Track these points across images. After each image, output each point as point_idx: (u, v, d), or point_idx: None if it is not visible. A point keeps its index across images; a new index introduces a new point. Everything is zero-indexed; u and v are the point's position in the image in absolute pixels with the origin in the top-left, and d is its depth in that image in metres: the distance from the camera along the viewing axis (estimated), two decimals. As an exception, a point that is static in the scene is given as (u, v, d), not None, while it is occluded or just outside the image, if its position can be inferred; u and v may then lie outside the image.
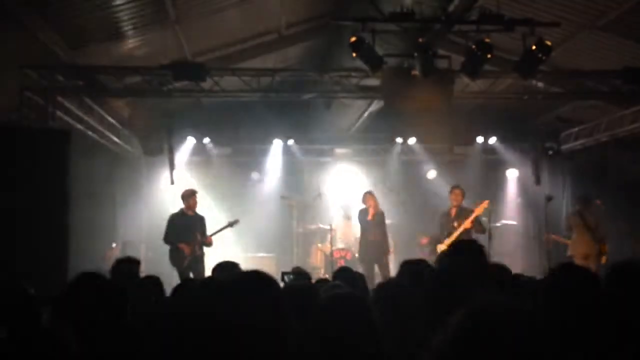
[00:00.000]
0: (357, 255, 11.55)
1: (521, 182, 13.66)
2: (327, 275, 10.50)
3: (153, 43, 8.84)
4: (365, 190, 10.89)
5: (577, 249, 10.05)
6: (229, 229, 9.95)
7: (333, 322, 2.33)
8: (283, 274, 4.63)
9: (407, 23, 7.88)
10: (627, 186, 10.94)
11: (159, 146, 11.79)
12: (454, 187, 9.93)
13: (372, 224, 10.31)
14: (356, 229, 12.22)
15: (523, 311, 1.40)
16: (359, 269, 10.21)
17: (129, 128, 11.61)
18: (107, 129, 10.69)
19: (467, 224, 9.30)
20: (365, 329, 2.35)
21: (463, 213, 9.46)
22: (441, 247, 9.18)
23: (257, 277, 1.93)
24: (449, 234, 9.35)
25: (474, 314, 1.40)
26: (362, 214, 10.49)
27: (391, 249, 10.92)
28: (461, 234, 9.21)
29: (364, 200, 10.53)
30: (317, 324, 2.36)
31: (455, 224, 9.44)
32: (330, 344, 2.28)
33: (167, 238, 9.42)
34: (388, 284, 3.46)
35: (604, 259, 10.03)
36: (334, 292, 2.69)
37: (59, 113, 8.81)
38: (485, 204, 9.68)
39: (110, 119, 10.69)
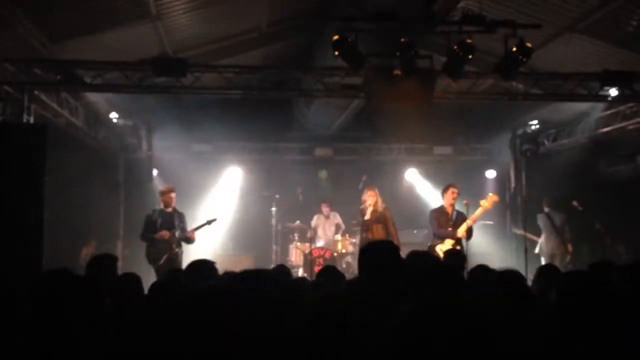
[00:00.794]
0: (335, 254, 11.55)
1: (500, 182, 13.78)
2: (305, 274, 10.48)
3: (133, 38, 8.74)
4: (368, 185, 10.17)
5: (544, 248, 10.72)
6: (207, 226, 9.87)
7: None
8: None
9: (390, 23, 7.89)
10: (603, 187, 11.09)
11: (138, 142, 11.66)
12: (450, 186, 9.43)
13: (371, 223, 9.62)
14: (334, 228, 12.23)
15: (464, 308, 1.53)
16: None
17: (107, 123, 11.47)
18: (85, 125, 10.54)
19: (462, 234, 9.01)
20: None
21: (460, 217, 9.23)
22: (443, 247, 8.88)
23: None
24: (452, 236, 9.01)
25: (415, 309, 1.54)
26: (361, 212, 9.84)
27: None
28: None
29: (364, 197, 9.86)
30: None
31: (451, 229, 9.07)
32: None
33: (144, 235, 9.30)
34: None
35: (569, 259, 10.41)
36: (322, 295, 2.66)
37: (35, 107, 8.66)
38: (494, 197, 9.37)
39: (88, 114, 10.54)
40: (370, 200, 9.64)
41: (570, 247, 10.54)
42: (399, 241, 9.20)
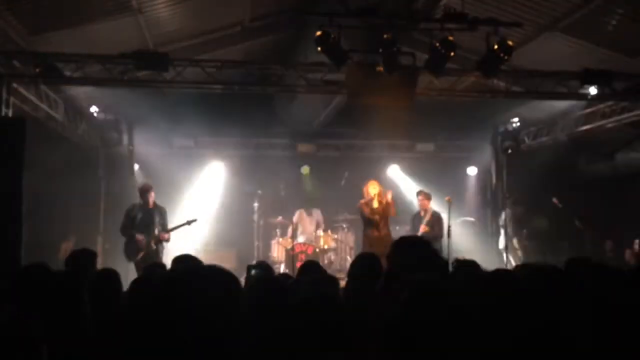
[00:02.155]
0: (317, 250, 11.55)
1: (481, 179, 13.88)
2: (287, 270, 10.47)
3: (115, 31, 8.65)
4: (368, 179, 9.92)
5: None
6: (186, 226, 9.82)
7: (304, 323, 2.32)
8: (249, 267, 4.58)
9: (373, 19, 7.90)
10: (582, 185, 11.22)
11: (118, 137, 11.56)
12: (418, 193, 10.51)
13: (375, 218, 9.36)
14: (315, 224, 12.23)
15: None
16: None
17: (87, 117, 11.35)
18: (65, 118, 10.42)
19: (422, 228, 10.02)
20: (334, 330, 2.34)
21: (434, 218, 10.01)
22: None
23: (218, 271, 1.92)
24: None
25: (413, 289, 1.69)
26: (362, 207, 9.55)
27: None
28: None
29: (365, 191, 9.59)
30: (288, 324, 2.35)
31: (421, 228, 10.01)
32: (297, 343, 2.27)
33: (124, 229, 9.26)
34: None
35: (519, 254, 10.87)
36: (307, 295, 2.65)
37: (14, 100, 8.55)
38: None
39: (67, 107, 10.43)
40: (374, 192, 9.42)
41: (515, 243, 10.72)
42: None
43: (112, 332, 2.91)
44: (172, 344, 1.76)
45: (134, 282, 3.79)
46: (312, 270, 4.50)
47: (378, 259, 3.88)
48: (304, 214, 12.35)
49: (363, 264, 3.89)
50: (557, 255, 10.36)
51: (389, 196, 9.44)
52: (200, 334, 1.73)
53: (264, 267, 4.60)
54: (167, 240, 9.37)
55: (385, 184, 13.39)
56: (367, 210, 9.41)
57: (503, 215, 11.07)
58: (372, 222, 9.34)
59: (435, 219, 10.29)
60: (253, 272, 4.40)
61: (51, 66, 8.31)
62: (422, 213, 10.44)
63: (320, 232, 11.89)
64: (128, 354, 2.47)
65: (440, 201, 10.87)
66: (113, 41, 8.64)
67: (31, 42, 8.13)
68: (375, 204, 9.33)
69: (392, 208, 9.43)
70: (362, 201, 9.57)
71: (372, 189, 9.52)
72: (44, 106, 9.48)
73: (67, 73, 8.51)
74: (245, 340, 1.86)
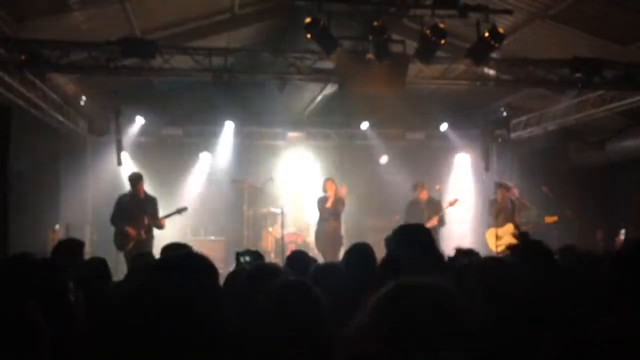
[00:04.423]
0: (307, 240, 11.54)
1: (471, 168, 13.88)
2: (277, 259, 10.44)
3: (101, 18, 8.52)
4: (326, 177, 10.87)
5: None
6: (176, 215, 9.76)
7: (281, 310, 2.30)
8: (238, 254, 4.51)
9: (363, 5, 7.83)
10: (573, 173, 11.24)
11: (106, 126, 11.44)
12: (417, 185, 10.65)
13: (330, 213, 10.29)
14: (307, 214, 12.21)
15: (440, 288, 1.51)
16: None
17: (74, 106, 11.22)
18: (51, 107, 10.28)
19: (434, 221, 10.09)
20: (313, 317, 2.32)
21: (432, 204, 10.00)
22: None
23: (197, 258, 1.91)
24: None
25: (391, 290, 1.52)
26: (321, 202, 10.44)
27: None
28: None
29: (324, 188, 10.48)
30: (265, 311, 2.33)
31: (426, 215, 10.14)
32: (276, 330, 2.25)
33: (114, 219, 9.19)
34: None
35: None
36: (282, 280, 2.62)
37: (-1, 89, 8.42)
38: (455, 202, 10.72)
39: (54, 96, 10.29)
40: (332, 190, 10.35)
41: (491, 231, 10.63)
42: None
43: (100, 322, 2.86)
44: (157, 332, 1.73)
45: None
46: (299, 259, 4.46)
47: (372, 248, 3.92)
48: (294, 204, 12.37)
49: (359, 252, 3.90)
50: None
51: (343, 192, 10.41)
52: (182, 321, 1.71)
53: (256, 255, 4.54)
54: (162, 226, 9.32)
55: (378, 173, 13.46)
56: (322, 207, 10.40)
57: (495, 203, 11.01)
58: (324, 218, 10.32)
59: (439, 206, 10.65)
60: (242, 259, 4.34)
61: (36, 54, 8.15)
62: (422, 203, 10.54)
63: (310, 222, 11.86)
64: (116, 343, 2.43)
65: (431, 190, 10.88)
66: (99, 29, 8.52)
67: (16, 29, 7.99)
68: (329, 204, 10.28)
69: (342, 206, 10.45)
70: (320, 197, 10.52)
71: (330, 188, 10.41)
72: (29, 94, 9.33)
73: (53, 60, 8.37)
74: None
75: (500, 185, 10.54)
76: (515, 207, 10.31)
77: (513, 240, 9.53)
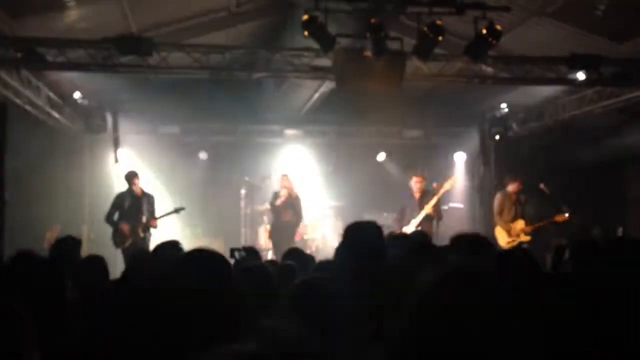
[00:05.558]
0: (305, 237, 11.55)
1: (469, 166, 13.87)
2: (275, 257, 10.43)
3: (98, 16, 8.50)
4: (283, 173, 11.20)
5: None
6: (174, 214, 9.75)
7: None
8: (232, 250, 4.51)
9: (360, 3, 7.82)
10: (570, 170, 11.24)
11: (103, 124, 11.41)
12: (412, 176, 10.02)
13: (282, 207, 10.67)
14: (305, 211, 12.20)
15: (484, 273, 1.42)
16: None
17: (71, 104, 11.18)
18: (48, 104, 10.24)
19: (428, 209, 9.50)
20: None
21: (427, 197, 9.72)
22: (407, 229, 9.28)
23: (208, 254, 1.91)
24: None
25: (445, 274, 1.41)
26: (274, 197, 10.82)
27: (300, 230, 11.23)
28: (423, 218, 9.47)
29: (280, 183, 10.86)
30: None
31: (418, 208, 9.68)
32: None
33: (109, 218, 9.19)
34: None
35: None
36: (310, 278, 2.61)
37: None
38: (452, 180, 10.13)
39: (50, 93, 10.25)
40: (285, 186, 10.69)
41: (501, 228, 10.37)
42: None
43: (96, 318, 2.85)
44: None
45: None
46: (296, 256, 4.47)
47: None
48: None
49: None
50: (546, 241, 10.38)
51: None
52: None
53: (250, 252, 4.54)
54: (154, 226, 9.31)
55: (375, 169, 13.45)
56: (273, 201, 10.81)
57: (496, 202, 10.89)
58: (276, 211, 10.71)
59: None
60: (237, 255, 4.33)
61: (33, 51, 8.14)
62: (418, 196, 9.91)
63: (307, 220, 11.86)
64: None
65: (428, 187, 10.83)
66: (96, 26, 8.50)
67: (12, 27, 7.96)
68: (280, 202, 10.63)
69: (297, 200, 10.82)
70: (274, 192, 10.92)
71: (284, 184, 10.76)
72: (26, 92, 9.30)
73: (50, 58, 8.34)
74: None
75: (510, 178, 10.05)
76: (524, 202, 9.94)
77: (527, 239, 9.49)
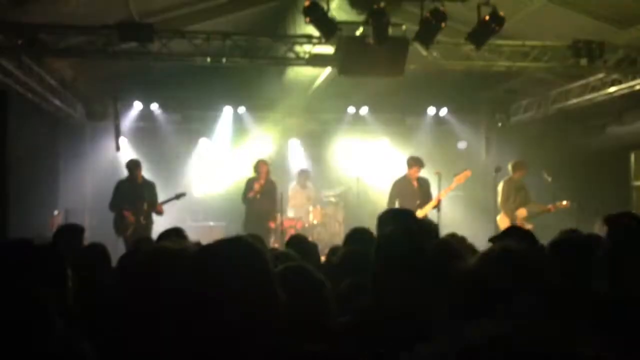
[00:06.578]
0: (307, 225, 11.54)
1: (471, 153, 13.83)
2: (277, 244, 10.43)
3: (98, 2, 8.45)
4: (259, 159, 10.84)
5: None
6: (175, 200, 9.75)
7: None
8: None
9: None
10: (573, 158, 11.20)
11: (104, 111, 11.39)
12: (414, 164, 9.83)
13: (258, 195, 10.39)
14: (306, 198, 12.20)
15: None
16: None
17: (72, 91, 11.15)
18: (48, 92, 10.21)
19: (435, 202, 9.56)
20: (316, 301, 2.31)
21: (425, 185, 9.70)
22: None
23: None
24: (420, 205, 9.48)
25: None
26: (249, 183, 10.51)
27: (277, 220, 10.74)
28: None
29: (256, 168, 10.54)
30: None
31: (419, 202, 9.52)
32: None
33: (113, 205, 9.22)
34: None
35: None
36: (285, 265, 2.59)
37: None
38: (467, 173, 9.88)
39: (51, 80, 10.22)
40: (262, 172, 10.40)
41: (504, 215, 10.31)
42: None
43: (99, 307, 2.84)
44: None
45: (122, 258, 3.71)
46: (299, 244, 4.45)
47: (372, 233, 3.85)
48: (298, 188, 12.34)
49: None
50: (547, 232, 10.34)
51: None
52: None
53: (255, 239, 4.52)
54: (161, 212, 9.35)
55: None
56: (248, 188, 10.46)
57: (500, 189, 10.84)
58: (251, 199, 10.37)
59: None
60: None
61: (33, 38, 8.10)
62: (415, 183, 9.90)
63: (310, 207, 11.85)
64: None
65: (430, 175, 10.79)
66: (97, 13, 8.44)
67: (12, 13, 7.91)
68: (257, 187, 10.37)
69: (274, 187, 10.62)
70: (249, 178, 10.59)
71: (261, 169, 10.44)
72: (26, 79, 9.27)
73: (50, 45, 8.30)
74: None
75: (516, 163, 9.91)
76: (526, 189, 9.81)
77: (530, 226, 9.37)
